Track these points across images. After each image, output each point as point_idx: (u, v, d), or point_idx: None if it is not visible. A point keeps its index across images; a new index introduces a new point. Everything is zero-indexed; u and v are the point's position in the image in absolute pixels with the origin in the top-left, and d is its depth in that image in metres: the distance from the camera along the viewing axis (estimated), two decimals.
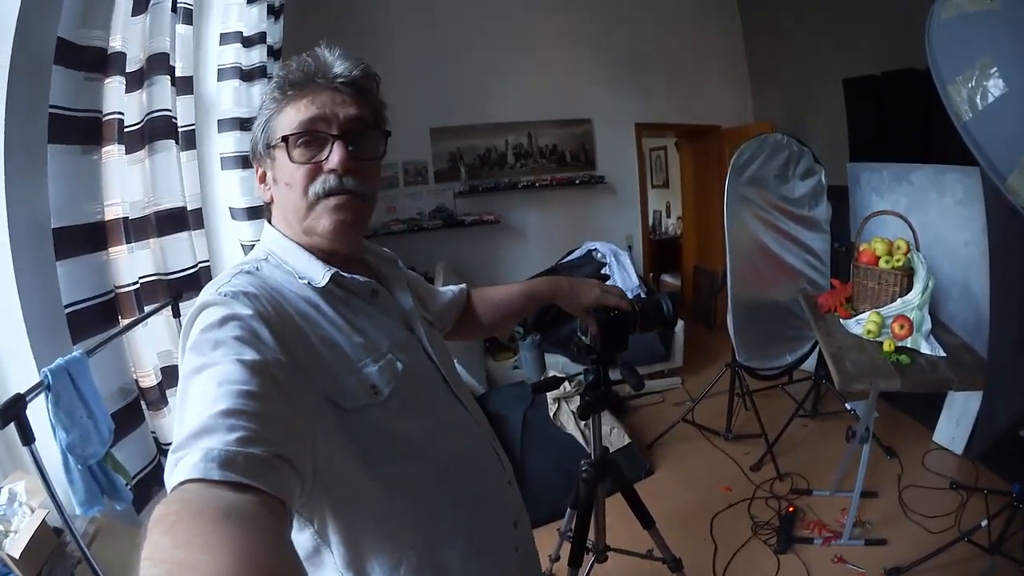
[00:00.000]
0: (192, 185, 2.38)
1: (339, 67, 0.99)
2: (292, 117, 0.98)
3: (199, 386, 0.71)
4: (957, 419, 3.59)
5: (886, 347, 2.54)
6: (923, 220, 3.01)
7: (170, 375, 2.11)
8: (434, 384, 1.10)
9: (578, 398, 3.88)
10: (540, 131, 5.59)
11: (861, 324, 2.73)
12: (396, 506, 0.95)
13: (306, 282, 0.99)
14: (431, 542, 0.98)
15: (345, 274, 1.02)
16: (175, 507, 0.54)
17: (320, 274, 1.00)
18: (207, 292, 0.89)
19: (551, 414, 3.89)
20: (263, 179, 1.07)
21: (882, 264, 2.78)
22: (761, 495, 3.37)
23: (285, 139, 0.98)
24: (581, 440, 3.69)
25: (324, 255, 1.03)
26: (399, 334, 1.08)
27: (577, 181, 5.64)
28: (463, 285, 1.54)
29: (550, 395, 3.93)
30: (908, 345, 2.54)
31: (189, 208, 2.26)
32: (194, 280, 2.23)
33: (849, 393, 3.62)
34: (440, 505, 1.00)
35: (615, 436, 3.74)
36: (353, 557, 0.91)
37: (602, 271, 5.04)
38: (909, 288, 2.72)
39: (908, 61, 3.85)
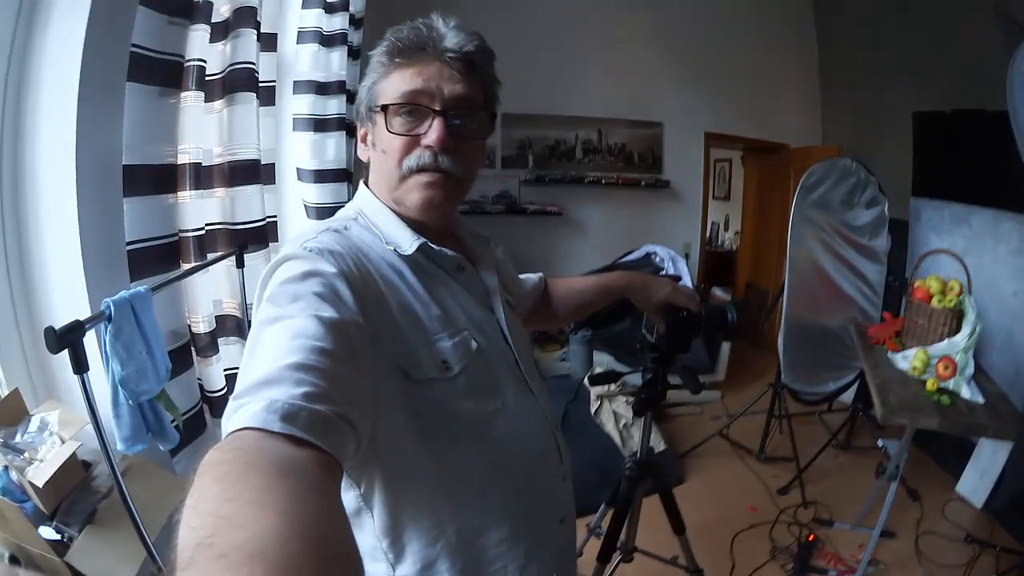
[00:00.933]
0: (266, 140, 2.43)
1: (451, 40, 0.96)
2: (396, 85, 0.96)
3: (272, 336, 0.70)
4: (982, 472, 3.54)
5: (929, 386, 2.51)
6: (976, 264, 2.97)
7: (223, 324, 2.17)
8: (507, 368, 1.07)
9: (622, 398, 3.91)
10: (611, 129, 5.57)
11: (907, 360, 2.70)
12: (445, 483, 0.94)
13: (392, 248, 0.98)
14: (472, 524, 0.97)
15: (433, 246, 1.00)
16: (229, 455, 0.52)
17: (408, 242, 0.98)
18: (291, 246, 0.88)
19: (592, 411, 3.91)
20: (364, 140, 1.06)
21: (934, 303, 2.75)
22: (784, 519, 3.35)
23: (386, 107, 0.96)
24: (618, 441, 3.71)
25: (414, 224, 1.02)
26: (479, 313, 1.06)
27: (642, 183, 5.61)
28: (540, 274, 1.55)
29: (594, 392, 3.97)
30: (950, 387, 2.51)
31: (263, 162, 2.30)
32: (261, 233, 2.26)
33: (884, 428, 3.62)
34: (490, 489, 0.99)
35: (652, 440, 3.71)
36: (393, 525, 0.92)
37: (659, 275, 5.01)
38: (958, 330, 2.68)
39: (980, 102, 3.76)
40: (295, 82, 2.78)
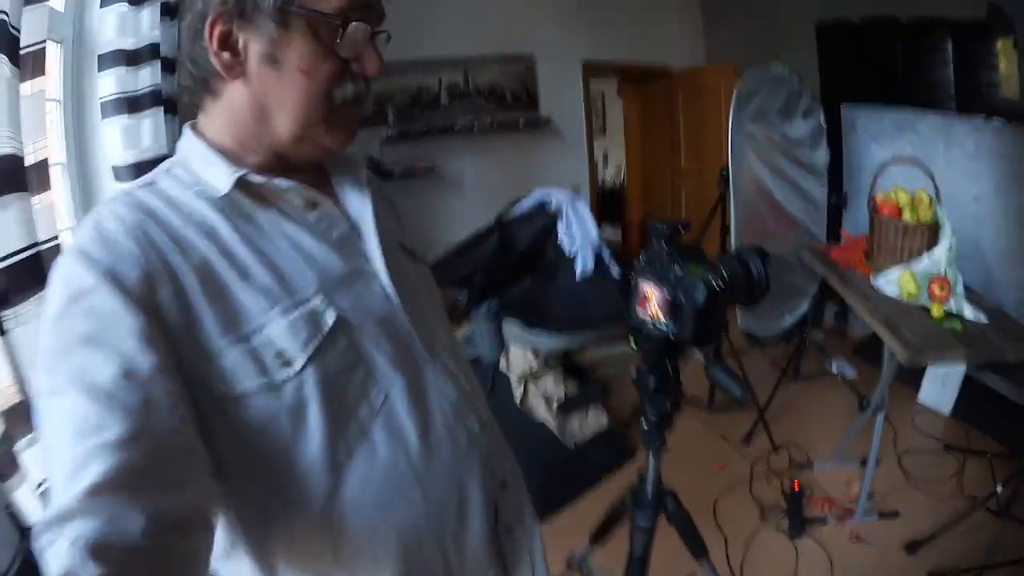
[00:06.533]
0: (34, 127, 1.61)
1: None
2: None
3: (54, 422, 0.60)
4: (943, 379, 3.46)
5: (935, 313, 2.21)
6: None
7: (16, 421, 1.28)
8: (394, 342, 0.80)
9: (549, 376, 3.37)
10: (478, 68, 4.98)
11: (893, 284, 2.39)
12: (314, 530, 0.74)
13: (206, 198, 0.74)
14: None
15: (258, 176, 0.76)
16: None
17: (224, 178, 0.74)
18: (79, 229, 0.70)
19: (517, 399, 3.33)
20: (228, 45, 0.73)
21: (906, 216, 2.47)
22: (759, 471, 3.07)
23: (330, 15, 0.72)
24: (554, 427, 3.17)
25: (258, 159, 0.79)
26: (343, 266, 0.79)
27: (520, 123, 5.10)
28: None
29: (514, 375, 3.37)
30: (952, 309, 2.24)
31: (32, 161, 1.45)
32: (32, 268, 1.33)
33: (824, 350, 3.56)
34: (390, 531, 0.76)
35: (592, 418, 3.26)
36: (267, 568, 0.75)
37: (556, 224, 4.51)
38: (933, 244, 2.42)
39: (887, 7, 3.64)
40: (100, 56, 2.08)
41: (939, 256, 2.37)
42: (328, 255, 0.79)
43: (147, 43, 2.18)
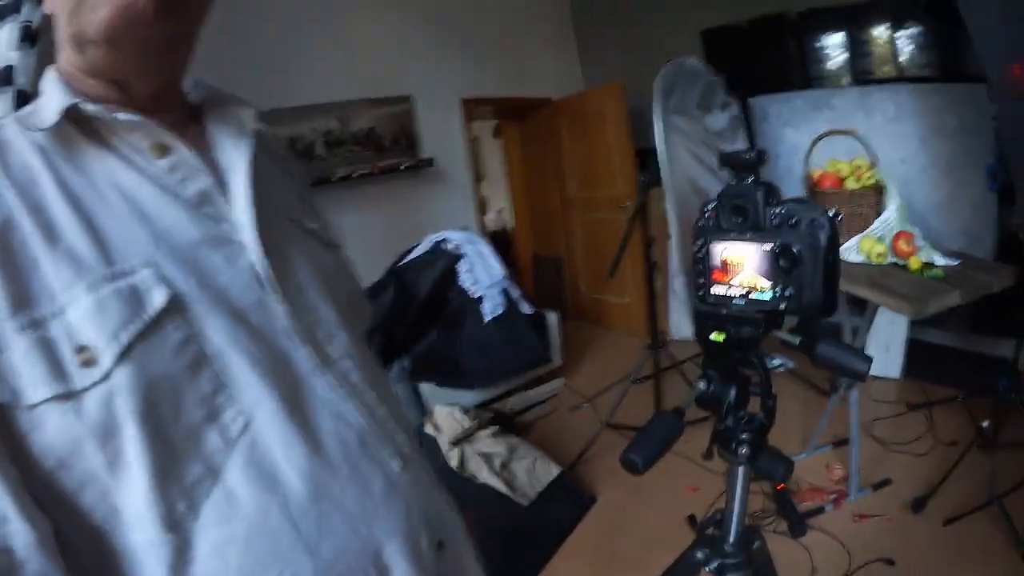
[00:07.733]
0: None
1: None
2: None
3: None
4: (886, 345, 3.56)
5: (913, 265, 2.23)
6: (850, 141, 2.75)
7: None
8: (264, 339, 0.59)
9: (483, 434, 2.97)
10: (353, 114, 4.67)
11: (854, 251, 2.38)
12: None
13: (38, 132, 0.56)
14: None
15: (92, 106, 0.56)
16: None
17: (53, 107, 0.56)
18: None
19: (454, 466, 2.85)
20: None
21: (850, 184, 2.52)
22: None
23: None
24: (502, 487, 2.74)
25: (100, 91, 0.60)
26: (193, 231, 0.59)
27: (403, 167, 4.82)
28: None
29: (444, 439, 2.93)
30: (924, 260, 2.27)
31: None
32: None
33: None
34: None
35: (540, 468, 2.89)
36: None
37: (458, 264, 4.19)
38: (881, 206, 2.47)
39: (773, 5, 3.76)
40: None
41: (891, 215, 2.40)
42: (175, 216, 0.60)
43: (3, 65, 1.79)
